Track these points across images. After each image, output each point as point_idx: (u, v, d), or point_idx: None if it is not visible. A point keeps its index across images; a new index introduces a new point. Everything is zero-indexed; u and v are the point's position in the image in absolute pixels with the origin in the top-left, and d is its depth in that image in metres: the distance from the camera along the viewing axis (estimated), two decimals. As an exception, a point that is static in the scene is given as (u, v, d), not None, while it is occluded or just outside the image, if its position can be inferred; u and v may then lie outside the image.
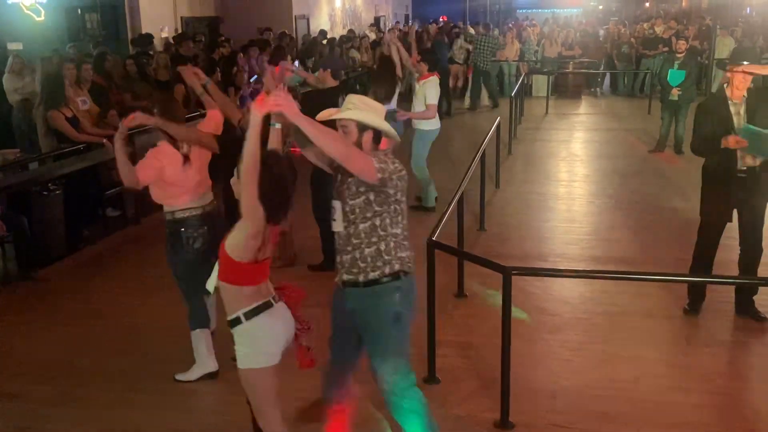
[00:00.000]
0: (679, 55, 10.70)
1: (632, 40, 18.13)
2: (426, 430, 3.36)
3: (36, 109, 7.73)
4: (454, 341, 4.91)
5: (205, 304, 4.50)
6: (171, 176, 4.21)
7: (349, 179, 3.17)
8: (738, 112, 4.98)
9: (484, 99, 16.04)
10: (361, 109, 3.17)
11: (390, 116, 7.60)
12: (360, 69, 15.18)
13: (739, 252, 5.18)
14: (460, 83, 16.97)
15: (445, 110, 13.79)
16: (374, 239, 3.19)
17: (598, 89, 18.22)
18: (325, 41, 15.74)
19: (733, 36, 16.64)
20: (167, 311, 5.31)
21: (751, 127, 4.82)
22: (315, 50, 14.40)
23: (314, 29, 18.09)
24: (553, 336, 5.05)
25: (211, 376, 4.45)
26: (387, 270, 3.20)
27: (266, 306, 3.08)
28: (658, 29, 18.24)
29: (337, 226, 3.24)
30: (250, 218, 2.94)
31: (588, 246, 6.92)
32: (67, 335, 5.24)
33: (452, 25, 21.41)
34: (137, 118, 4.14)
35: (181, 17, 14.96)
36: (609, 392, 4.29)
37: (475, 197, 7.42)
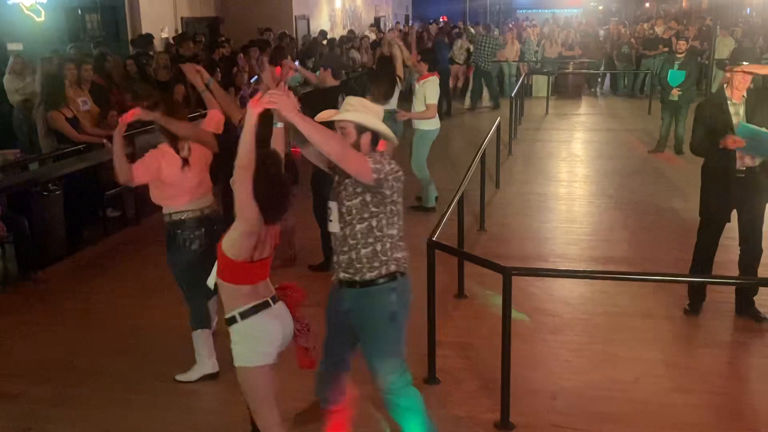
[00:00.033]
0: (679, 56, 10.71)
1: (632, 40, 18.13)
2: (424, 429, 3.38)
3: (36, 110, 7.74)
4: (454, 342, 4.91)
5: (205, 305, 4.50)
6: (169, 177, 4.21)
7: (346, 180, 3.18)
8: (737, 113, 4.97)
9: (485, 99, 16.04)
10: (360, 111, 3.19)
11: (390, 116, 7.63)
12: (360, 69, 15.17)
13: (739, 252, 5.18)
14: (460, 83, 16.98)
15: (445, 110, 13.80)
16: (371, 240, 3.20)
17: (597, 89, 18.23)
18: (325, 41, 15.74)
19: (733, 36, 16.64)
20: (167, 312, 5.32)
21: (749, 126, 4.82)
22: (315, 50, 14.40)
23: (314, 29, 18.09)
24: (554, 336, 5.05)
25: (211, 377, 4.45)
26: (383, 271, 3.22)
27: (263, 306, 3.08)
28: (659, 29, 18.25)
29: (334, 226, 3.25)
30: (243, 216, 2.94)
31: (588, 246, 6.92)
32: (67, 336, 5.24)
33: (452, 25, 21.41)
34: (137, 113, 4.14)
35: (181, 17, 14.96)
36: (609, 393, 4.29)
37: (475, 197, 7.42)
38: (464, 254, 5.19)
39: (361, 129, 3.17)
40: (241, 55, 11.37)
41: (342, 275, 3.28)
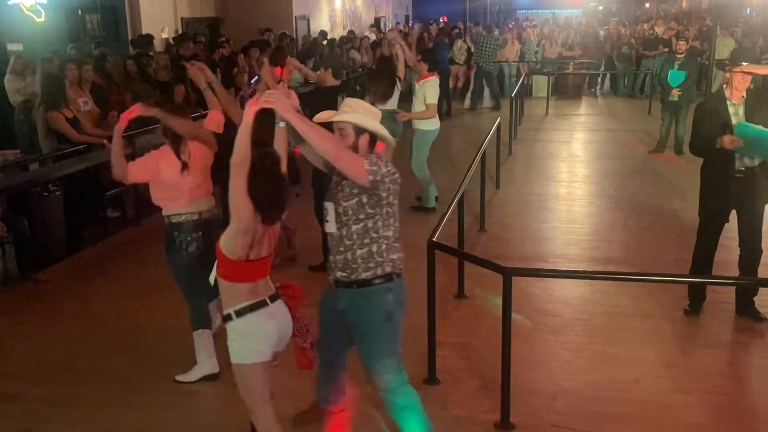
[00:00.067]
0: (679, 56, 10.71)
1: (632, 40, 18.13)
2: (421, 426, 3.41)
3: (36, 110, 7.73)
4: (454, 342, 4.91)
5: (206, 305, 4.50)
6: (167, 178, 4.21)
7: (343, 181, 3.20)
8: (737, 113, 4.97)
9: (486, 100, 16.04)
10: (358, 112, 3.22)
11: (390, 116, 7.63)
12: (360, 69, 15.18)
13: (738, 252, 5.18)
14: (460, 84, 16.98)
15: (445, 111, 13.80)
16: (366, 241, 3.22)
17: (597, 90, 18.23)
18: (325, 42, 15.74)
19: (733, 36, 16.64)
20: (167, 312, 5.32)
21: (748, 125, 4.82)
22: (315, 51, 14.40)
23: (314, 30, 18.09)
24: (554, 337, 5.05)
25: (211, 377, 4.45)
26: (379, 271, 3.25)
27: (259, 305, 3.09)
28: (659, 30, 18.25)
29: (330, 227, 3.28)
30: (237, 214, 2.96)
31: (588, 247, 6.92)
32: (67, 336, 5.24)
33: (452, 26, 21.41)
34: (137, 109, 4.15)
35: (182, 18, 14.96)
36: (609, 393, 4.29)
37: (475, 198, 7.42)
38: (464, 254, 5.19)
39: (359, 130, 3.20)
40: (242, 55, 11.36)
41: (338, 275, 3.30)
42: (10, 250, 6.42)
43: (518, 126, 12.60)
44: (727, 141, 4.81)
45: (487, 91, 15.98)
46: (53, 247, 6.75)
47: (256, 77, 9.59)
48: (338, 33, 19.48)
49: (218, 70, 9.50)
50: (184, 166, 4.23)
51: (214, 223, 4.35)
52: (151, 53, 11.28)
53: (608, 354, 4.78)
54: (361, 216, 3.20)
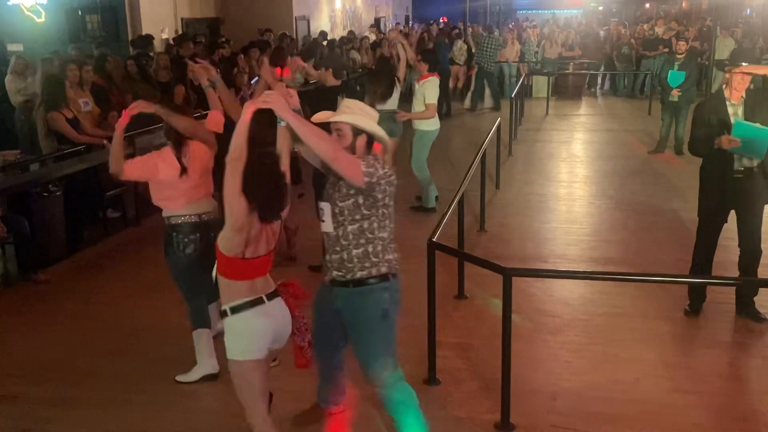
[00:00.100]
0: (679, 56, 10.70)
1: (632, 41, 18.13)
2: (417, 421, 3.44)
3: (36, 111, 7.74)
4: (454, 342, 4.91)
5: (205, 305, 4.50)
6: (165, 179, 4.22)
7: (340, 181, 3.23)
8: (736, 113, 4.97)
9: (487, 100, 16.04)
10: (356, 113, 3.24)
11: (390, 117, 7.64)
12: (360, 70, 15.18)
13: (738, 253, 5.18)
14: (460, 84, 16.99)
15: (444, 112, 13.80)
16: (362, 241, 3.25)
17: (597, 90, 18.23)
18: (325, 42, 15.74)
19: (733, 37, 16.64)
20: (167, 312, 5.31)
21: (746, 123, 4.81)
22: (315, 51, 14.40)
23: (314, 30, 18.09)
24: (554, 337, 5.05)
25: (211, 377, 4.45)
26: (374, 271, 3.28)
27: (256, 302, 3.11)
28: (659, 30, 18.25)
29: (327, 226, 3.31)
30: (230, 211, 2.98)
31: (588, 247, 6.92)
32: (67, 336, 5.24)
33: (452, 26, 21.41)
34: (139, 106, 4.17)
35: (182, 18, 14.96)
36: (609, 393, 4.29)
37: (475, 198, 7.43)
38: (464, 255, 5.19)
39: (356, 131, 3.23)
40: (242, 55, 11.37)
41: (334, 274, 3.32)
42: (10, 250, 6.41)
43: (518, 126, 12.60)
44: (725, 141, 4.81)
45: (487, 92, 15.98)
46: (53, 248, 6.75)
47: (257, 77, 9.60)
48: (338, 33, 19.48)
49: (218, 70, 9.49)
50: (184, 170, 4.23)
51: (215, 224, 4.35)
52: (151, 53, 11.28)
53: (608, 354, 4.78)
54: (357, 216, 3.23)
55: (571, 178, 9.77)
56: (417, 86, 8.03)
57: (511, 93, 13.29)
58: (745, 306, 5.22)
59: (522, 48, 17.75)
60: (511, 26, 21.01)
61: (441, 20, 25.95)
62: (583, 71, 17.48)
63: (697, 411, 4.10)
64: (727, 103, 5.00)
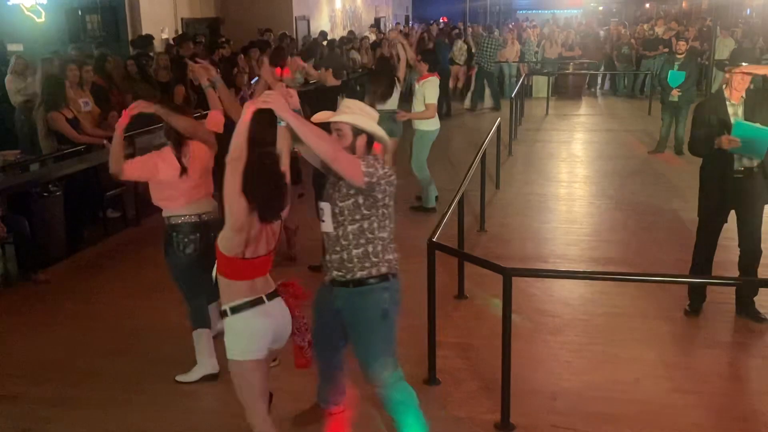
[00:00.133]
0: (679, 56, 10.70)
1: (632, 41, 18.13)
2: (417, 421, 3.44)
3: (36, 111, 7.74)
4: (454, 342, 4.91)
5: (205, 305, 4.50)
6: (165, 179, 4.22)
7: (340, 181, 3.23)
8: (736, 113, 4.97)
9: (487, 100, 16.05)
10: (356, 113, 3.24)
11: (390, 116, 7.64)
12: (360, 70, 15.18)
13: (738, 253, 5.18)
14: (460, 84, 16.99)
15: (444, 112, 13.79)
16: (362, 241, 3.26)
17: (597, 90, 18.23)
18: (325, 42, 15.74)
19: (733, 37, 16.64)
20: (167, 312, 5.31)
21: (745, 123, 4.81)
22: (315, 51, 14.40)
23: (314, 30, 18.09)
24: (554, 337, 5.05)
25: (211, 377, 4.45)
26: (374, 271, 3.28)
27: (255, 302, 3.11)
28: (659, 30, 18.25)
29: (327, 226, 3.31)
30: (230, 211, 2.99)
31: (588, 247, 6.92)
32: (67, 336, 5.24)
33: (452, 26, 21.42)
34: (139, 106, 4.17)
35: (182, 18, 14.96)
36: (609, 393, 4.29)
37: (475, 198, 7.43)
38: (464, 255, 5.19)
39: (356, 131, 3.23)
40: (242, 55, 11.37)
41: (334, 274, 3.33)
42: (10, 251, 6.41)
43: (518, 126, 12.60)
44: (724, 141, 4.81)
45: (487, 92, 15.98)
46: (53, 248, 6.75)
47: (257, 78, 9.60)
48: (338, 33, 19.48)
49: (218, 70, 9.49)
50: (184, 170, 4.23)
51: (215, 224, 4.35)
52: (151, 54, 11.28)
53: (608, 354, 4.78)
54: (357, 216, 3.23)
55: (571, 178, 9.77)
56: (417, 86, 8.03)
57: (511, 93, 13.29)
58: (745, 306, 5.22)
59: (522, 48, 17.75)
60: (511, 26, 21.01)
61: (441, 20, 25.95)
62: (583, 71, 17.49)
63: (697, 411, 4.10)
64: (727, 103, 5.00)
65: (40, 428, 4.09)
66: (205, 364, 4.45)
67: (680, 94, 10.43)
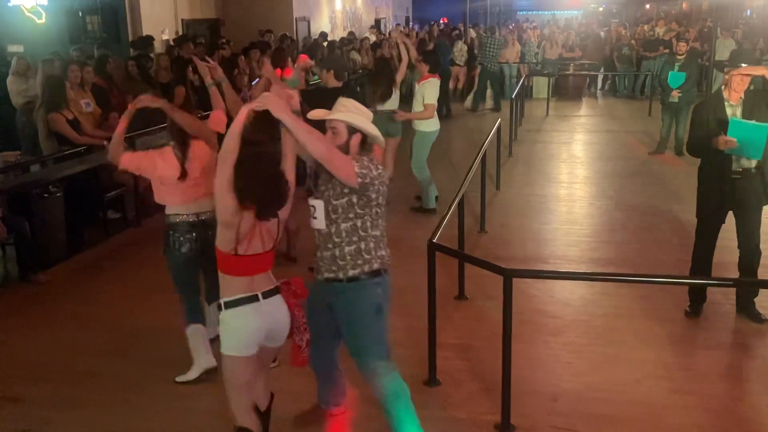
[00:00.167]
0: (679, 57, 10.70)
1: (633, 41, 18.14)
2: (408, 411, 3.45)
3: (37, 112, 7.74)
4: (454, 343, 4.91)
5: (198, 302, 4.54)
6: (163, 176, 4.25)
7: (334, 179, 3.24)
8: (734, 114, 4.97)
9: (488, 101, 16.05)
10: (352, 111, 3.27)
11: (389, 116, 7.64)
12: (360, 71, 15.19)
13: (738, 254, 5.18)
14: (460, 85, 16.99)
15: (444, 113, 13.79)
16: (355, 239, 3.29)
17: (598, 91, 18.24)
18: (325, 43, 15.74)
19: (733, 38, 16.64)
20: (167, 314, 5.30)
21: (741, 121, 4.81)
22: (316, 52, 14.40)
23: (315, 31, 18.10)
24: (554, 338, 5.04)
25: (210, 372, 4.44)
26: (366, 268, 3.31)
27: (249, 299, 3.12)
28: (659, 31, 18.26)
29: (318, 223, 3.33)
30: (218, 205, 3.03)
31: (589, 248, 6.91)
32: (67, 338, 5.24)
33: (452, 27, 21.43)
34: (143, 100, 4.20)
35: (182, 19, 14.96)
36: (610, 394, 4.29)
37: (475, 199, 7.42)
38: (465, 256, 5.18)
39: (351, 130, 3.26)
40: (242, 56, 11.37)
41: (326, 272, 3.35)
42: (10, 251, 6.42)
43: (518, 127, 12.61)
44: (721, 142, 4.81)
45: (488, 92, 15.99)
46: (53, 249, 6.75)
47: (257, 79, 9.60)
48: (338, 34, 19.49)
49: (218, 71, 9.50)
50: (184, 174, 4.24)
51: (214, 223, 4.36)
52: (152, 55, 11.28)
53: (609, 355, 4.78)
54: (351, 215, 3.27)
55: (572, 179, 9.77)
56: (417, 87, 8.04)
57: (511, 94, 13.30)
58: (745, 307, 5.22)
59: (522, 49, 17.77)
60: (511, 27, 21.03)
61: (441, 21, 25.97)
62: (583, 72, 17.50)
63: (698, 412, 4.10)
64: (726, 104, 5.00)
65: (39, 429, 4.09)
66: (202, 360, 4.45)
67: (680, 95, 10.43)
